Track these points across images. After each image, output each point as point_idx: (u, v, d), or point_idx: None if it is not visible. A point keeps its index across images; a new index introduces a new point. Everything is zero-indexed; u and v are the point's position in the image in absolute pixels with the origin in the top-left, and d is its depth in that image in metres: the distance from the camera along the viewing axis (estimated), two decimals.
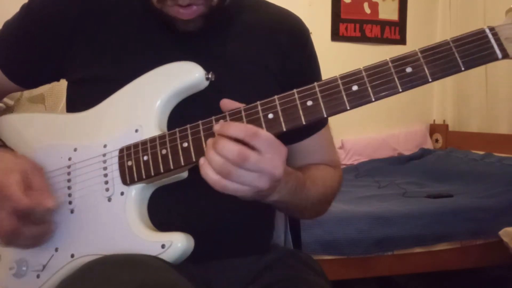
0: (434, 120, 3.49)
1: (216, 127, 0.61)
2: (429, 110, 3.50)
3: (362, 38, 3.32)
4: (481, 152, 2.81)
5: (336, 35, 3.27)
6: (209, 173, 0.60)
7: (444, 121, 3.40)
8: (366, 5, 3.31)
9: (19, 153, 0.78)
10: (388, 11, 3.35)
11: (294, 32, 0.88)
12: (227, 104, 0.66)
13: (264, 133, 0.60)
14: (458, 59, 0.57)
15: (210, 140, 0.62)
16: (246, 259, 0.81)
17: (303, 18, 0.92)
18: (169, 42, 0.79)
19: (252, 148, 0.59)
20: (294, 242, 1.00)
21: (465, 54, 0.57)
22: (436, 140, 3.39)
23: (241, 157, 0.58)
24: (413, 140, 3.33)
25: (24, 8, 0.83)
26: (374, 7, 3.33)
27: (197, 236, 0.69)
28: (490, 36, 0.57)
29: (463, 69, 0.57)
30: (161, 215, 0.72)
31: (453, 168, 2.70)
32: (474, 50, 0.57)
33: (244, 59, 0.82)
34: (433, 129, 3.45)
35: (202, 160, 0.62)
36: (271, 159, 0.60)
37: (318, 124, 0.88)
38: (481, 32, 0.57)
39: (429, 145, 3.36)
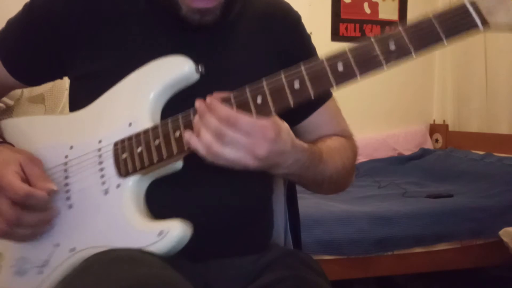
0: (434, 120, 3.48)
1: (208, 99, 0.64)
2: (429, 110, 3.50)
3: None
4: (481, 152, 2.81)
5: (336, 35, 3.26)
6: (199, 148, 0.63)
7: (444, 121, 3.39)
8: (366, 5, 3.31)
9: (17, 148, 0.79)
10: (388, 11, 3.35)
11: (287, 20, 0.90)
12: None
13: (243, 120, 0.61)
14: (439, 30, 0.58)
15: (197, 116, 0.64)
16: (246, 259, 0.81)
17: (303, 18, 0.93)
18: (168, 39, 0.80)
19: None
20: (294, 242, 1.00)
21: (446, 25, 0.58)
22: (436, 140, 3.39)
23: (219, 132, 0.61)
24: (413, 140, 3.33)
25: (26, 7, 0.84)
26: (374, 7, 3.33)
27: (197, 235, 0.69)
28: (470, 8, 0.58)
29: (444, 39, 0.58)
30: (160, 215, 0.72)
31: (453, 168, 2.70)
32: (455, 20, 0.58)
33: (240, 52, 0.83)
34: (433, 129, 3.45)
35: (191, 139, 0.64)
36: (252, 142, 0.61)
37: (322, 96, 0.88)
38: (462, 5, 0.59)
39: (429, 145, 3.35)
